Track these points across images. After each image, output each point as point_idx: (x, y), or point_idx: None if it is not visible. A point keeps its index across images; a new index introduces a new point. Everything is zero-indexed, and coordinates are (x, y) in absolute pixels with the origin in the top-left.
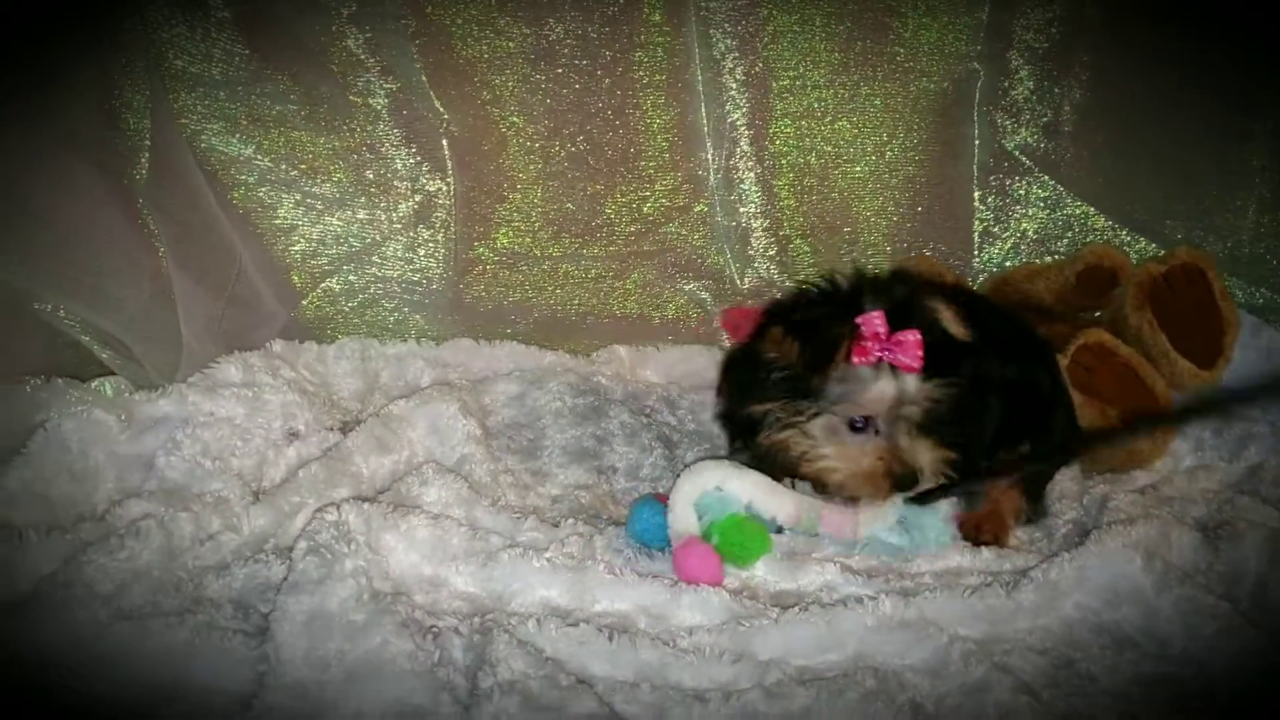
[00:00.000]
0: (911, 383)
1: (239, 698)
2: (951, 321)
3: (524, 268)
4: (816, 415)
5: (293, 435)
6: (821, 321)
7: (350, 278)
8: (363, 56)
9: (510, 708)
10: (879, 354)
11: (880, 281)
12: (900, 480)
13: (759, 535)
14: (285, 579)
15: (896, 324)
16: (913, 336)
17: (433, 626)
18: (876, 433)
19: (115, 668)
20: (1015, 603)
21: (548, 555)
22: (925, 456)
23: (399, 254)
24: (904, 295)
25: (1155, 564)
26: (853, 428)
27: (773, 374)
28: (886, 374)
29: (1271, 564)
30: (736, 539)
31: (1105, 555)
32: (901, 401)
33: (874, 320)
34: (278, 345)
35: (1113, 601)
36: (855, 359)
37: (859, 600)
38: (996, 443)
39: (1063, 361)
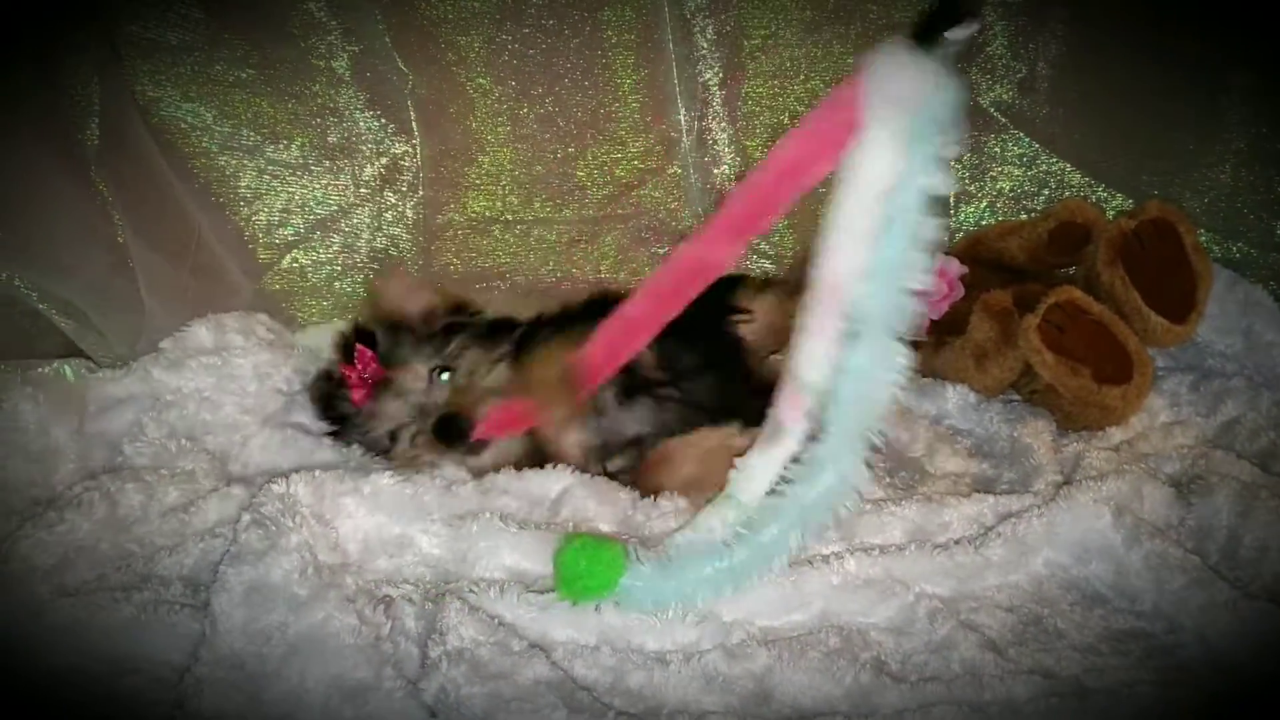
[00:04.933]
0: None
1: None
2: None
3: (495, 233)
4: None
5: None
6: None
7: (316, 247)
8: (324, 19)
9: (458, 677)
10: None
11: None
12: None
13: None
14: (228, 551)
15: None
16: (365, 353)
17: (385, 595)
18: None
19: (59, 644)
20: (984, 559)
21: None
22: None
23: (366, 220)
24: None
25: (1125, 519)
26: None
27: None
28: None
29: (1243, 517)
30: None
31: (1075, 510)
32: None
33: (345, 369)
34: None
35: (1083, 557)
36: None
37: (825, 559)
38: None
39: (1033, 320)
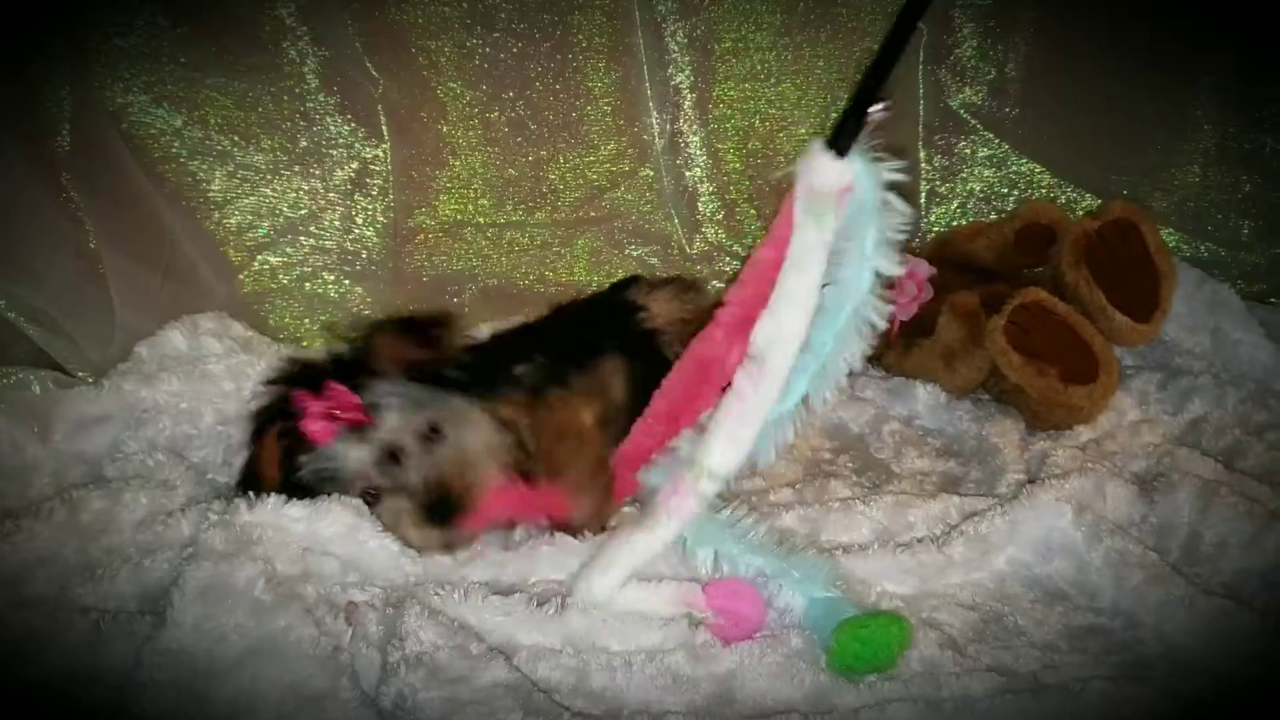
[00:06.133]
0: (379, 431)
1: None
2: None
3: (467, 236)
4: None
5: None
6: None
7: (288, 250)
8: (293, 24)
9: (416, 681)
10: (329, 425)
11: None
12: (432, 510)
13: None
14: (189, 550)
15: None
16: (334, 388)
17: (350, 602)
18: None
19: (19, 655)
20: (946, 557)
21: None
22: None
23: (336, 224)
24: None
25: (1087, 517)
26: (369, 503)
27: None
28: (350, 439)
29: (1203, 514)
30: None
31: (1037, 509)
32: (385, 451)
33: (299, 400)
34: None
35: (1045, 555)
36: (318, 441)
37: None
38: None
39: (999, 322)
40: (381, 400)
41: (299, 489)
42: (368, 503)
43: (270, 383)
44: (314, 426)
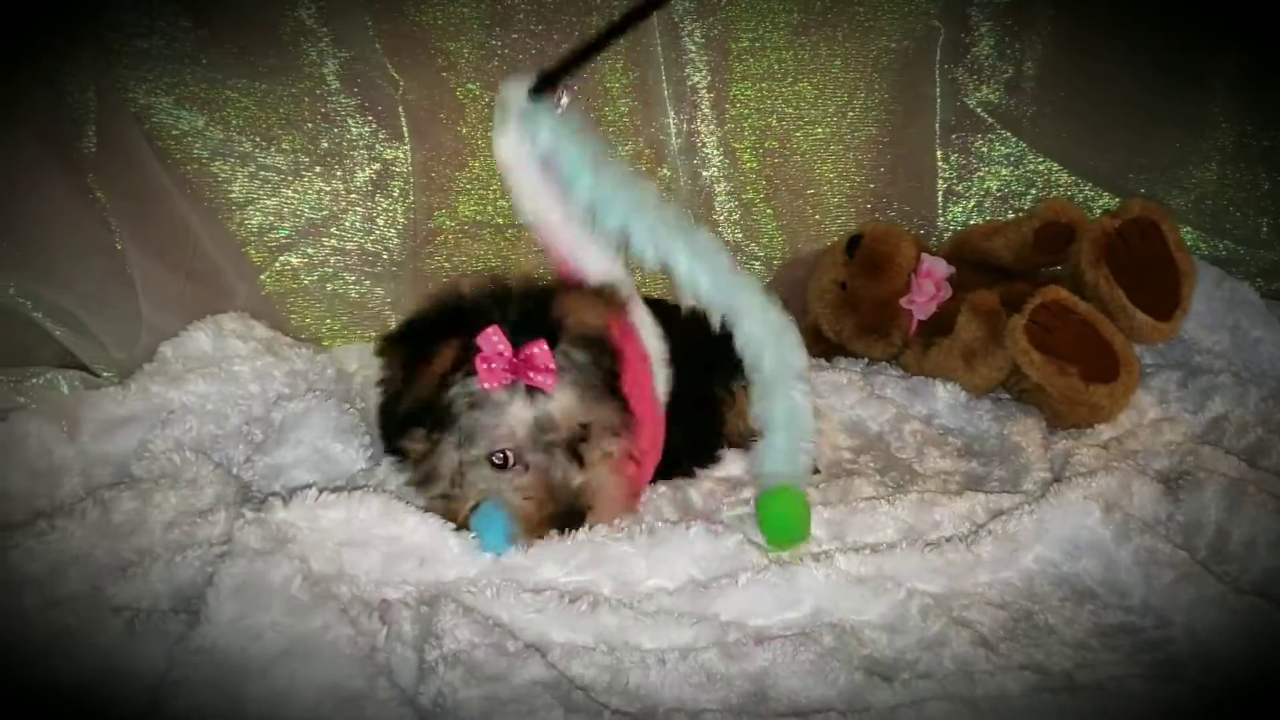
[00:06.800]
0: (550, 403)
1: None
2: (588, 325)
3: (486, 237)
4: (444, 451)
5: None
6: (427, 342)
7: (309, 250)
8: (314, 26)
9: (455, 680)
10: (507, 375)
11: (509, 291)
12: (562, 518)
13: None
14: (223, 548)
15: (523, 337)
16: (538, 349)
17: (383, 600)
18: (526, 468)
19: (47, 655)
20: (975, 556)
21: None
22: (589, 483)
23: (357, 225)
24: (531, 305)
25: (1115, 515)
26: (494, 465)
27: (398, 405)
28: (521, 397)
29: (1230, 512)
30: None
31: (1065, 507)
32: (544, 428)
33: (491, 336)
34: None
35: (1073, 553)
36: (485, 384)
37: (816, 558)
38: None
39: (1020, 321)
40: (566, 374)
41: (429, 411)
42: (495, 465)
43: (438, 312)
44: (492, 368)
